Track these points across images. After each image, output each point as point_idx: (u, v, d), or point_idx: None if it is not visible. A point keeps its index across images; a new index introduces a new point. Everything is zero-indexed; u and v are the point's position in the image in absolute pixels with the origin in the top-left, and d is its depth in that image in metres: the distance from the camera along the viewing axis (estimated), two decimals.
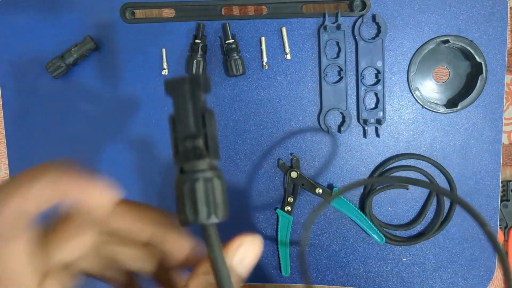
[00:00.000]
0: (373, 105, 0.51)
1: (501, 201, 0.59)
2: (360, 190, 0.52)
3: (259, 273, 0.53)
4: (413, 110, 0.51)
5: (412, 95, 0.50)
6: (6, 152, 0.52)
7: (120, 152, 0.52)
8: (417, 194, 0.52)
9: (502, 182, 0.58)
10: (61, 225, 0.22)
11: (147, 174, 0.52)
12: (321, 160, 0.51)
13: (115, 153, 0.52)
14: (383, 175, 0.51)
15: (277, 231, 0.52)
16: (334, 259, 0.52)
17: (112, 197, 0.23)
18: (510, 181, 0.59)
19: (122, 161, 0.52)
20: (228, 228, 0.54)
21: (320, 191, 0.51)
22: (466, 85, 0.51)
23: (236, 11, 0.53)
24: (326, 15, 0.49)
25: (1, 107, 0.52)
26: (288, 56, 0.50)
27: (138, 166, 0.52)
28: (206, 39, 0.50)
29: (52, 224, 0.22)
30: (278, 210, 0.51)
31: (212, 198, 0.19)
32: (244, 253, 0.21)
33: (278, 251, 0.52)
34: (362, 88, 0.50)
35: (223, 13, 0.50)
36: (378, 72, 0.50)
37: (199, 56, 0.49)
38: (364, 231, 0.51)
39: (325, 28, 0.49)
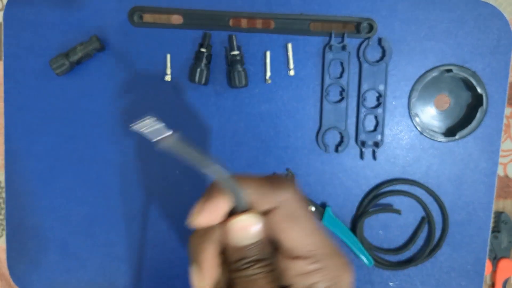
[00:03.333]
0: (372, 128, 0.51)
1: (492, 231, 0.59)
2: (352, 211, 0.52)
3: None
4: (412, 136, 0.51)
5: (412, 121, 0.51)
6: (4, 144, 0.52)
7: (118, 155, 0.52)
8: (410, 220, 0.52)
9: (494, 213, 0.58)
10: None
11: (146, 176, 0.52)
12: (316, 178, 0.51)
13: (113, 154, 0.52)
14: None
15: None
16: None
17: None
18: (502, 212, 0.59)
19: (119, 164, 0.52)
20: None
21: (313, 208, 0.51)
22: (466, 115, 0.51)
23: (244, 23, 0.53)
24: (333, 35, 0.49)
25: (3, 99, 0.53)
26: (292, 72, 0.50)
27: (136, 169, 0.52)
28: (211, 48, 0.50)
29: None
30: None
31: None
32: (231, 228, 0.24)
33: None
34: (363, 110, 0.50)
35: (230, 24, 0.51)
36: (380, 95, 0.50)
37: (203, 65, 0.49)
38: (353, 252, 0.51)
39: (330, 48, 0.49)
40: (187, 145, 0.22)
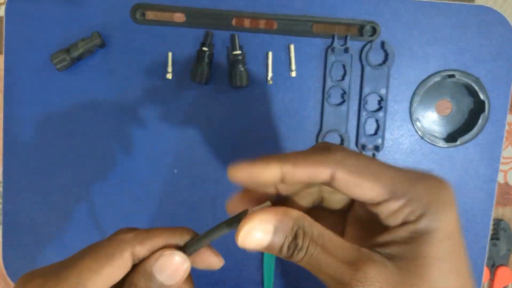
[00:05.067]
0: (372, 131, 0.51)
1: (491, 239, 0.59)
2: None
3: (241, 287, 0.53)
4: (412, 140, 0.51)
5: (413, 125, 0.50)
6: (2, 139, 0.52)
7: (117, 152, 0.51)
8: None
9: (493, 220, 0.58)
10: None
11: (145, 174, 0.52)
12: None
13: (112, 151, 0.51)
14: None
15: None
16: None
17: None
18: (501, 220, 0.59)
19: (118, 160, 0.52)
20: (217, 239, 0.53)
21: None
22: (468, 121, 0.51)
23: (246, 23, 0.53)
24: (336, 37, 0.49)
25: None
26: (293, 74, 0.50)
27: (135, 166, 0.52)
28: (213, 47, 0.50)
29: None
30: None
31: None
32: (164, 263, 0.25)
33: (262, 267, 0.52)
34: (364, 114, 0.50)
35: (233, 23, 0.50)
36: (381, 99, 0.50)
37: (204, 64, 0.48)
38: None
39: (333, 50, 0.49)
40: None
